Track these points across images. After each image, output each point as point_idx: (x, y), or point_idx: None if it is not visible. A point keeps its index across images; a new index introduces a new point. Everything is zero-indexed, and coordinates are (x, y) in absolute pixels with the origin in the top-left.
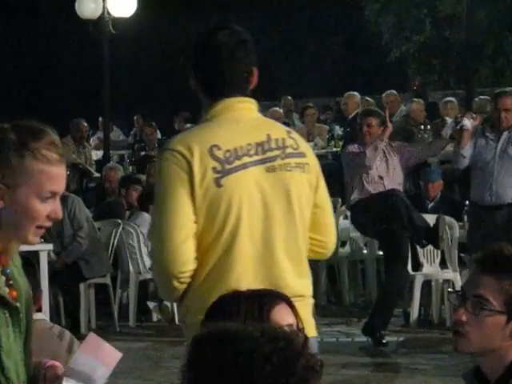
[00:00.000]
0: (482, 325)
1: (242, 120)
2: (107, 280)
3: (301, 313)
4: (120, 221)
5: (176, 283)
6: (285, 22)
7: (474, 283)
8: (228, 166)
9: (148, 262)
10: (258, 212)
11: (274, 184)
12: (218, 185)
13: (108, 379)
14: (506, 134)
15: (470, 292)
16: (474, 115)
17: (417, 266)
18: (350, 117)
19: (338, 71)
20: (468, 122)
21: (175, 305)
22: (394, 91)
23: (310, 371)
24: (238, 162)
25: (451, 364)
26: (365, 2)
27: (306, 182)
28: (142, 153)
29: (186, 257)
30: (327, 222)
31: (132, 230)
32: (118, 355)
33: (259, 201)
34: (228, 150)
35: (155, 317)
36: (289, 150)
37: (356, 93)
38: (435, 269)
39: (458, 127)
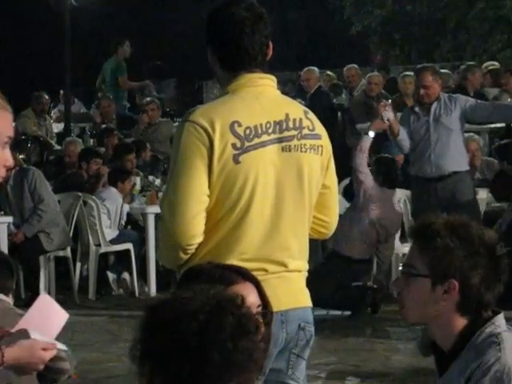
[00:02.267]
0: (411, 292)
1: (262, 97)
2: (67, 253)
3: (298, 284)
4: (80, 194)
5: (182, 254)
6: None
7: (408, 254)
8: (247, 144)
9: (108, 235)
10: (271, 190)
11: (287, 164)
12: (236, 161)
13: (67, 351)
14: (435, 104)
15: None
16: (385, 102)
17: None
18: (311, 92)
19: (299, 45)
20: (388, 113)
21: (135, 278)
22: (356, 65)
23: (241, 330)
24: (256, 140)
25: (413, 337)
26: None
27: (319, 163)
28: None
29: (196, 231)
30: (333, 203)
31: (93, 203)
32: (66, 315)
33: (273, 179)
34: (248, 127)
35: (115, 290)
36: (305, 131)
37: (315, 68)
38: (395, 243)
39: (385, 121)
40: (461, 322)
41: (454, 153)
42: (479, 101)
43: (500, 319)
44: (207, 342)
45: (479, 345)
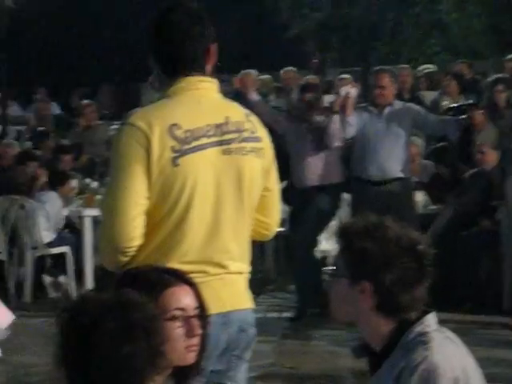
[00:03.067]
0: (335, 291)
1: (202, 100)
2: (3, 256)
3: (240, 286)
4: (17, 197)
5: (121, 256)
6: None
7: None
8: (186, 146)
9: (46, 238)
10: (210, 193)
11: (228, 167)
12: (175, 164)
13: (3, 356)
14: (388, 108)
15: None
16: (353, 83)
17: None
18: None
19: (236, 48)
20: (352, 90)
21: (72, 281)
22: (293, 68)
23: (124, 336)
24: (195, 143)
25: (350, 339)
26: None
27: (260, 166)
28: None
29: (134, 233)
30: (274, 205)
31: (30, 206)
32: (11, 317)
33: (212, 182)
34: (187, 130)
35: (52, 293)
36: (246, 134)
37: (252, 70)
38: (331, 245)
39: (343, 94)
40: (385, 323)
41: (400, 159)
42: (430, 114)
43: (430, 319)
44: (91, 346)
45: (408, 344)
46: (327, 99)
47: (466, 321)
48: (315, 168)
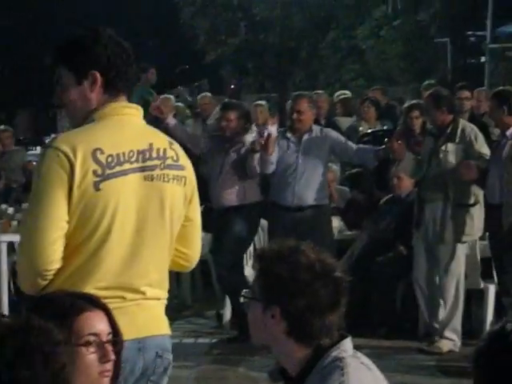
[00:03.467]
0: (251, 314)
1: (126, 125)
2: None
3: (157, 311)
4: None
5: (40, 280)
6: (101, 22)
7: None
8: (108, 171)
9: None
10: (132, 219)
11: (149, 193)
12: (97, 188)
13: None
14: (306, 136)
15: None
16: (274, 119)
17: None
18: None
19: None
20: (273, 129)
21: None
22: (209, 94)
23: (20, 360)
24: (118, 168)
25: (266, 365)
26: (180, 5)
27: (182, 194)
28: None
29: (53, 257)
30: (195, 235)
31: None
32: None
33: (134, 208)
34: (110, 155)
35: None
36: (169, 162)
37: (171, 96)
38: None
39: (266, 134)
40: (298, 348)
41: (318, 186)
42: (348, 141)
43: (346, 344)
44: None
45: (324, 369)
46: (247, 138)
47: (382, 346)
48: (233, 188)
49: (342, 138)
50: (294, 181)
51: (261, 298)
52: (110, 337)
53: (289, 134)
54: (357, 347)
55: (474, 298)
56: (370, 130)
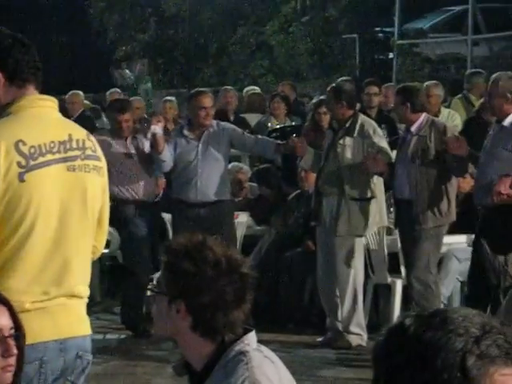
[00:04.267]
0: (156, 307)
1: (44, 117)
2: None
3: (78, 312)
4: None
5: None
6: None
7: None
8: (32, 162)
9: None
10: (55, 212)
11: (73, 184)
12: (21, 180)
13: None
14: (206, 132)
15: None
16: (158, 117)
17: None
18: (75, 116)
19: (62, 68)
20: (157, 127)
21: None
22: (118, 90)
23: None
24: (41, 159)
25: (174, 360)
26: (90, 0)
27: (100, 185)
28: None
29: None
30: (103, 228)
31: None
32: None
33: (57, 199)
34: (33, 146)
35: None
36: (88, 152)
37: (80, 92)
38: None
39: (150, 135)
40: (203, 343)
41: (219, 181)
42: (247, 134)
43: (250, 338)
44: None
45: (228, 363)
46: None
47: (290, 341)
48: (139, 185)
49: (239, 131)
50: (195, 177)
51: (166, 292)
52: (13, 331)
53: (186, 132)
54: (265, 342)
55: (382, 293)
56: (278, 126)
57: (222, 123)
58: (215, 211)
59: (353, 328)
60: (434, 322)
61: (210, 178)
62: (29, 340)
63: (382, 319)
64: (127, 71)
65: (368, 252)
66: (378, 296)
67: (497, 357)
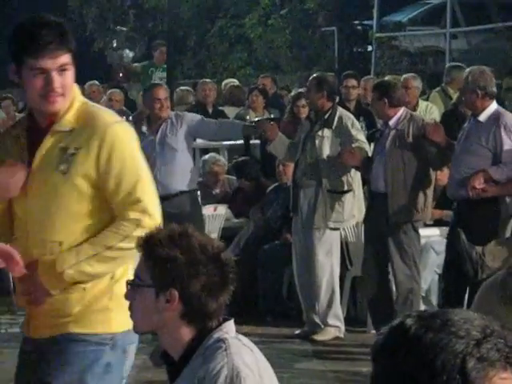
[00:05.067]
0: (139, 302)
1: None
2: None
3: None
4: None
5: None
6: None
7: (136, 265)
8: None
9: None
10: None
11: None
12: None
13: None
14: (163, 125)
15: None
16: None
17: None
18: None
19: None
20: None
21: None
22: (97, 82)
23: None
24: None
25: (148, 351)
26: None
27: None
28: None
29: None
30: None
31: None
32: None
33: None
34: None
35: None
36: None
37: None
38: None
39: None
40: (188, 331)
41: (181, 172)
42: (206, 119)
43: (229, 326)
44: None
45: (206, 351)
46: None
47: (268, 334)
48: None
49: (199, 117)
50: (155, 170)
51: (152, 284)
52: None
53: (144, 128)
54: (244, 335)
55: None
56: (257, 119)
57: (181, 113)
58: (179, 202)
59: (330, 320)
60: (435, 324)
61: (169, 170)
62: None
63: (360, 312)
64: (127, 50)
65: (346, 245)
66: (356, 289)
67: (497, 360)
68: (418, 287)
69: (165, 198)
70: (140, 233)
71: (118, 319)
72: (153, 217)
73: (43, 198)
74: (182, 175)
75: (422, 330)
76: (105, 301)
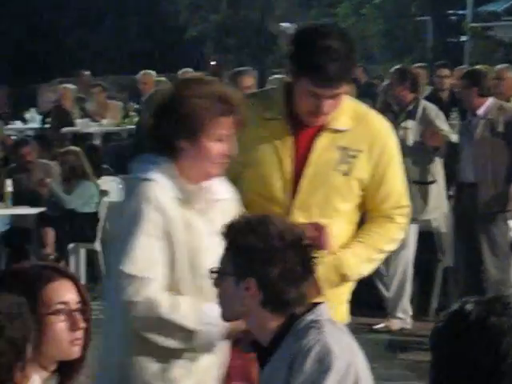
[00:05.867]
0: (222, 290)
1: None
2: None
3: None
4: None
5: None
6: None
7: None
8: None
9: None
10: None
11: None
12: None
13: None
14: None
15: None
16: None
17: None
18: (147, 95)
19: (135, 49)
20: None
21: None
22: (190, 69)
23: None
24: None
25: None
26: None
27: None
28: None
29: None
30: None
31: None
32: None
33: None
34: None
35: None
36: None
37: (152, 71)
38: None
39: None
40: (273, 318)
41: None
42: None
43: (322, 309)
44: None
45: (299, 331)
46: None
47: (354, 323)
48: None
49: None
50: None
51: (232, 272)
52: (79, 305)
53: None
54: None
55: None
56: None
57: None
58: None
59: (398, 313)
60: (496, 308)
61: None
62: None
63: (451, 303)
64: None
65: (438, 235)
66: (447, 279)
67: None
68: (509, 278)
69: None
70: (402, 236)
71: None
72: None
73: (318, 195)
74: None
75: (483, 314)
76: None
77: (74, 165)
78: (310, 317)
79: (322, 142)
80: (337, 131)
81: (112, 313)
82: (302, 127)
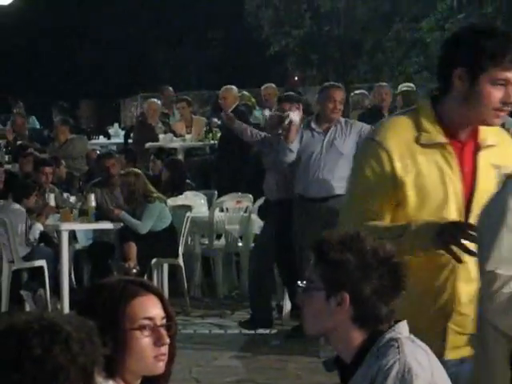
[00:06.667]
0: (310, 305)
1: None
2: None
3: None
4: None
5: None
6: (163, 13)
7: (308, 269)
8: None
9: (21, 252)
10: None
11: None
12: None
13: None
14: (333, 128)
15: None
16: (297, 105)
17: None
18: (230, 110)
19: (217, 64)
20: (295, 116)
21: (48, 295)
22: (273, 84)
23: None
24: None
25: (325, 356)
26: None
27: None
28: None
29: None
30: None
31: (5, 219)
32: None
33: None
34: None
35: (28, 306)
36: None
37: (233, 86)
38: None
39: (286, 123)
40: (359, 335)
41: (341, 176)
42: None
43: (401, 327)
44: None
45: (379, 349)
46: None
47: None
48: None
49: (367, 126)
50: (318, 171)
51: (323, 287)
52: (164, 321)
53: (314, 125)
54: None
55: None
56: None
57: (350, 120)
58: (336, 205)
59: None
60: None
61: (332, 172)
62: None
63: None
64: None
65: None
66: None
67: None
68: None
69: (322, 200)
70: None
71: None
72: None
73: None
74: (342, 179)
75: None
76: None
77: (133, 189)
78: (389, 335)
79: (482, 160)
80: (488, 147)
81: None
82: (456, 143)
